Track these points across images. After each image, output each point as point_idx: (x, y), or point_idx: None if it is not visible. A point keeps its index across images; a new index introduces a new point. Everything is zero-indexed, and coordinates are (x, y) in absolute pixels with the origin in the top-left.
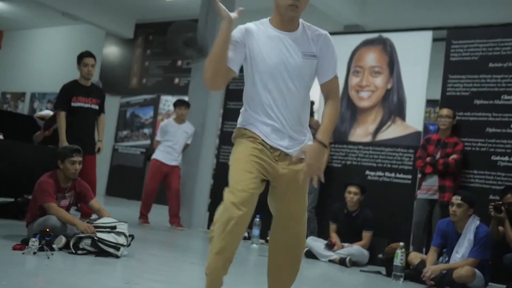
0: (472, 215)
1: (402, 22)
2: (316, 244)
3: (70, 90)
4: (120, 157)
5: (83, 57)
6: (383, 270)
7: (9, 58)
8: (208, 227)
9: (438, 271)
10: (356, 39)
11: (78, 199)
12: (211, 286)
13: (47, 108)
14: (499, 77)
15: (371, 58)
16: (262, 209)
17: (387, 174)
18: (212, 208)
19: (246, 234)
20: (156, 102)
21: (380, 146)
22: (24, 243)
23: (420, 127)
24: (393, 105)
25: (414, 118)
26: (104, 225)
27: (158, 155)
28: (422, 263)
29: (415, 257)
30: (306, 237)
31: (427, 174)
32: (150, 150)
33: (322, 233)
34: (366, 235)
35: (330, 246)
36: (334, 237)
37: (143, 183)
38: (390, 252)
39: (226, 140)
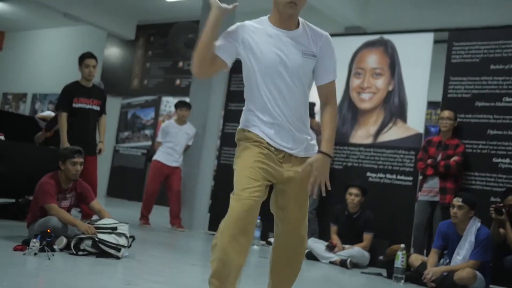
0: (473, 217)
1: (403, 23)
2: (317, 245)
3: (72, 91)
4: (121, 158)
5: (85, 58)
6: (384, 272)
7: (10, 59)
8: (209, 229)
9: (439, 273)
10: (357, 41)
11: (79, 200)
12: None
13: (48, 109)
14: (501, 79)
15: (372, 59)
16: (262, 211)
17: (388, 176)
18: (213, 209)
19: None
20: (157, 103)
21: (381, 148)
22: (25, 244)
23: (421, 129)
24: (394, 107)
25: (415, 120)
26: (105, 226)
27: (159, 156)
28: (423, 265)
29: (416, 259)
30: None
31: (428, 176)
32: (151, 151)
33: (323, 235)
34: (367, 237)
35: (331, 248)
36: (335, 239)
37: (144, 184)
38: (391, 254)
39: (227, 141)
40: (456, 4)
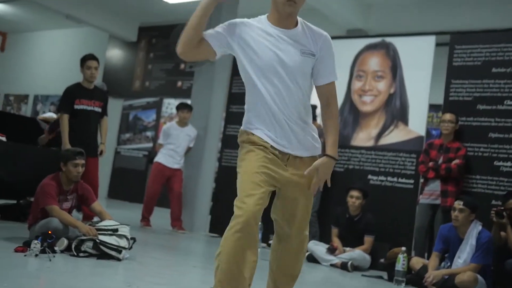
0: (474, 220)
1: (405, 26)
2: (318, 248)
3: (73, 92)
4: (122, 160)
5: (86, 59)
6: (384, 275)
7: (12, 60)
8: (210, 231)
9: (440, 276)
10: (359, 43)
11: (80, 202)
12: None
13: (50, 111)
14: (502, 82)
15: (374, 62)
16: (263, 213)
17: (389, 178)
18: (214, 211)
19: None
20: (158, 105)
21: (383, 150)
22: (26, 245)
23: (422, 132)
24: (395, 109)
25: (417, 123)
26: (106, 227)
27: (160, 158)
28: (424, 268)
29: (417, 262)
30: (307, 242)
31: (430, 179)
32: (152, 153)
33: (324, 237)
34: (368, 239)
35: (331, 251)
36: (336, 241)
37: (145, 186)
38: (392, 257)
39: (228, 143)
40: (458, 7)
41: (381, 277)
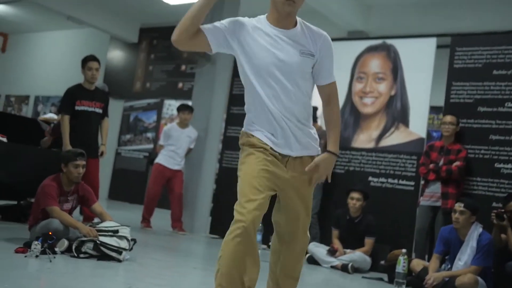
0: (475, 222)
1: (406, 28)
2: (318, 250)
3: (74, 93)
4: (123, 161)
5: (88, 61)
6: (385, 276)
7: (13, 61)
8: (211, 232)
9: (440, 279)
10: (360, 45)
11: (80, 203)
12: None
13: (51, 112)
14: (503, 85)
15: (375, 64)
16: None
17: (390, 180)
18: (215, 212)
19: None
20: (159, 106)
21: (383, 152)
22: (27, 246)
23: (423, 134)
24: (396, 111)
25: (418, 125)
26: (106, 229)
27: (161, 159)
28: (425, 270)
29: (417, 264)
30: (308, 243)
31: (430, 181)
32: (153, 154)
33: (324, 239)
34: (369, 241)
35: (332, 252)
36: (336, 243)
37: (145, 187)
38: (392, 259)
39: (229, 144)
40: (459, 9)
41: (381, 279)
